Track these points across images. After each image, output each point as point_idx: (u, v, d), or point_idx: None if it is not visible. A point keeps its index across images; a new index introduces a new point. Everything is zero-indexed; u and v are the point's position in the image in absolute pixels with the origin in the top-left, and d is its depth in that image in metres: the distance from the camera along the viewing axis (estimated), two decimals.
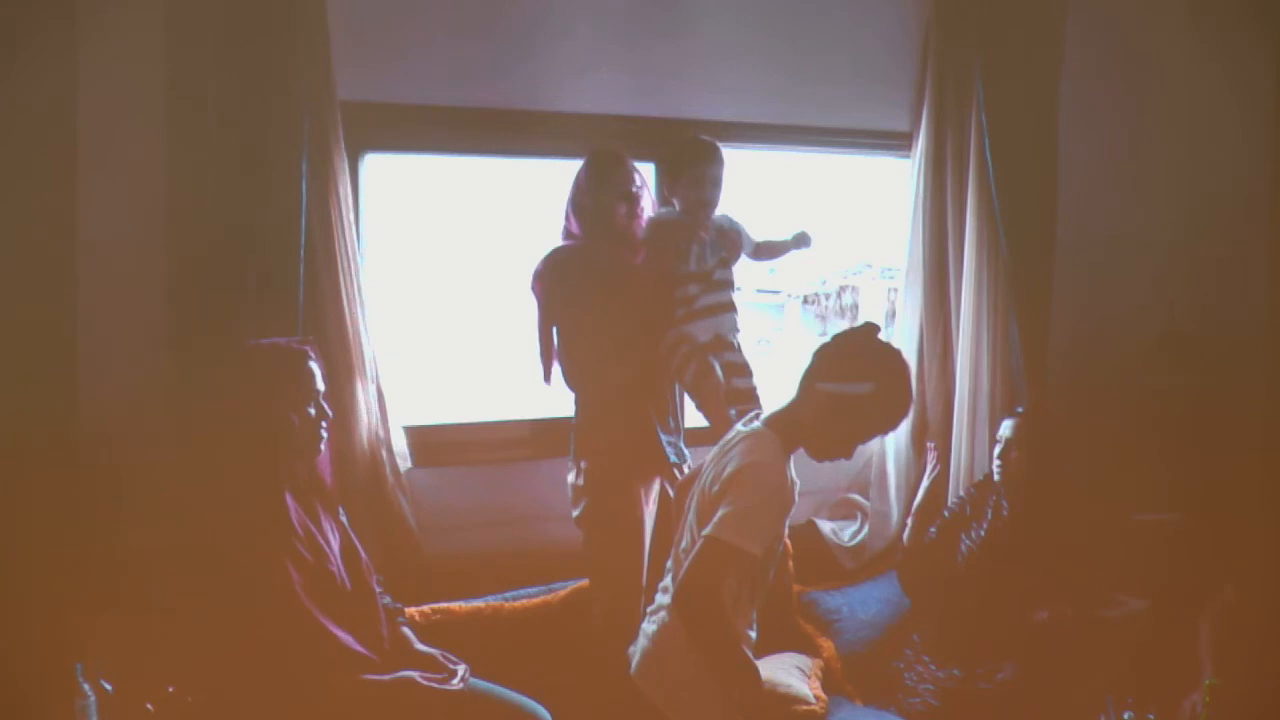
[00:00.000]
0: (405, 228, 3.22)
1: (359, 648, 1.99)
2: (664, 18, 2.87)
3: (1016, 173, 3.07)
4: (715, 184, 2.59)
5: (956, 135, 3.13)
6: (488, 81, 2.72)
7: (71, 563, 2.19)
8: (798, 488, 1.96)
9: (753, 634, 2.01)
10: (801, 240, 2.75)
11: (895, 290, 3.71)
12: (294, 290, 2.41)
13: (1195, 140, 3.45)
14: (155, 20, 2.31)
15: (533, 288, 2.58)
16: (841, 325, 7.26)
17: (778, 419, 1.93)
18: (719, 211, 2.64)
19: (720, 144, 2.62)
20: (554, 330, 2.58)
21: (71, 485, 2.23)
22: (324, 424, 2.09)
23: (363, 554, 2.16)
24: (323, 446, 2.11)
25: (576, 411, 2.59)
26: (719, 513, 1.80)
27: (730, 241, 2.64)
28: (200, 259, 2.32)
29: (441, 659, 2.15)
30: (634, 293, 2.56)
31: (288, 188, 2.38)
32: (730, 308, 2.62)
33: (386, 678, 1.99)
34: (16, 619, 2.07)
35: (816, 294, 7.66)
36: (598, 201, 2.55)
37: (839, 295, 7.56)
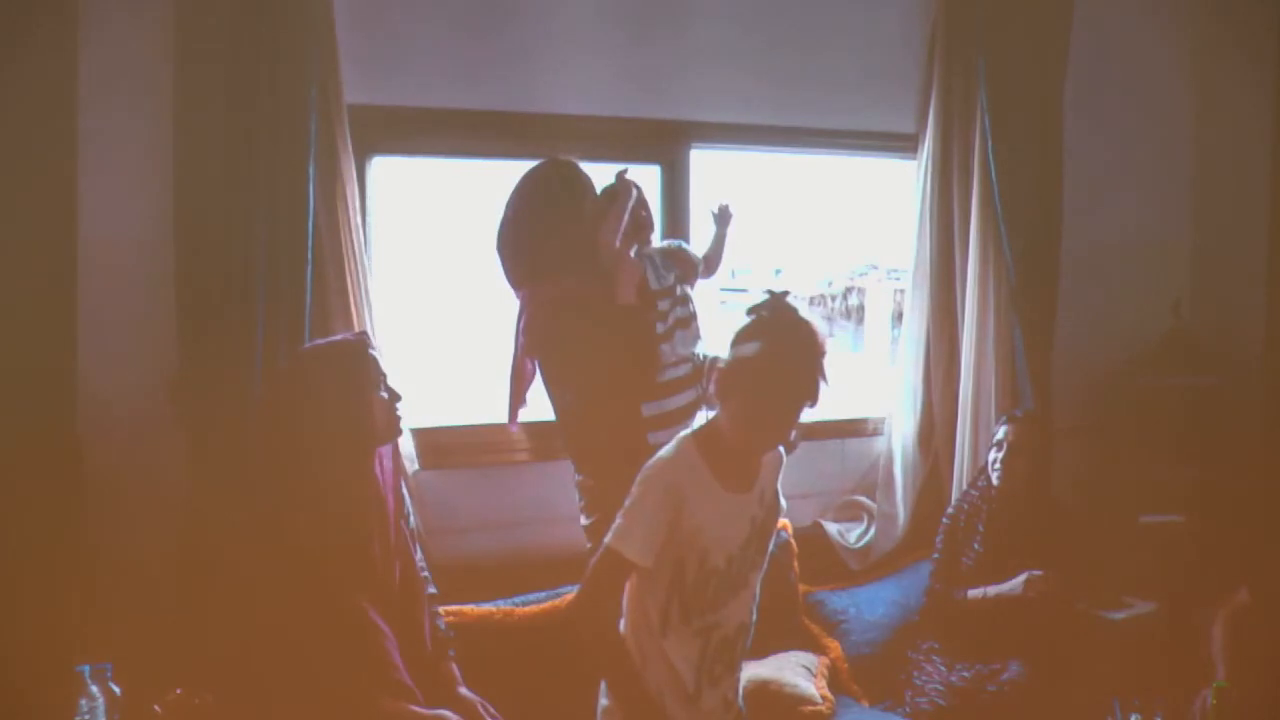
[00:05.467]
0: (412, 231, 3.22)
1: (407, 680, 1.99)
2: (671, 21, 2.87)
3: (1021, 174, 3.07)
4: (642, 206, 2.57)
5: (962, 137, 3.13)
6: (494, 84, 2.73)
7: (71, 563, 2.19)
8: (782, 503, 1.88)
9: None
10: (723, 216, 2.78)
11: (901, 291, 3.71)
12: (301, 293, 2.42)
13: (1199, 142, 3.45)
14: (162, 22, 2.31)
15: (527, 349, 2.54)
16: (847, 326, 7.25)
17: (702, 424, 1.84)
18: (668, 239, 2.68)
19: (725, 146, 2.62)
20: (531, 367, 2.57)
21: (71, 485, 2.22)
22: (397, 405, 2.15)
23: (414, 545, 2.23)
24: (401, 426, 2.18)
25: (575, 467, 2.55)
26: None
27: (682, 260, 2.67)
28: (207, 262, 2.32)
29: (480, 708, 2.11)
30: (626, 334, 2.46)
31: (295, 191, 2.39)
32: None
33: (425, 711, 1.97)
34: (16, 619, 2.06)
35: (822, 295, 7.65)
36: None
37: (845, 296, 7.55)
